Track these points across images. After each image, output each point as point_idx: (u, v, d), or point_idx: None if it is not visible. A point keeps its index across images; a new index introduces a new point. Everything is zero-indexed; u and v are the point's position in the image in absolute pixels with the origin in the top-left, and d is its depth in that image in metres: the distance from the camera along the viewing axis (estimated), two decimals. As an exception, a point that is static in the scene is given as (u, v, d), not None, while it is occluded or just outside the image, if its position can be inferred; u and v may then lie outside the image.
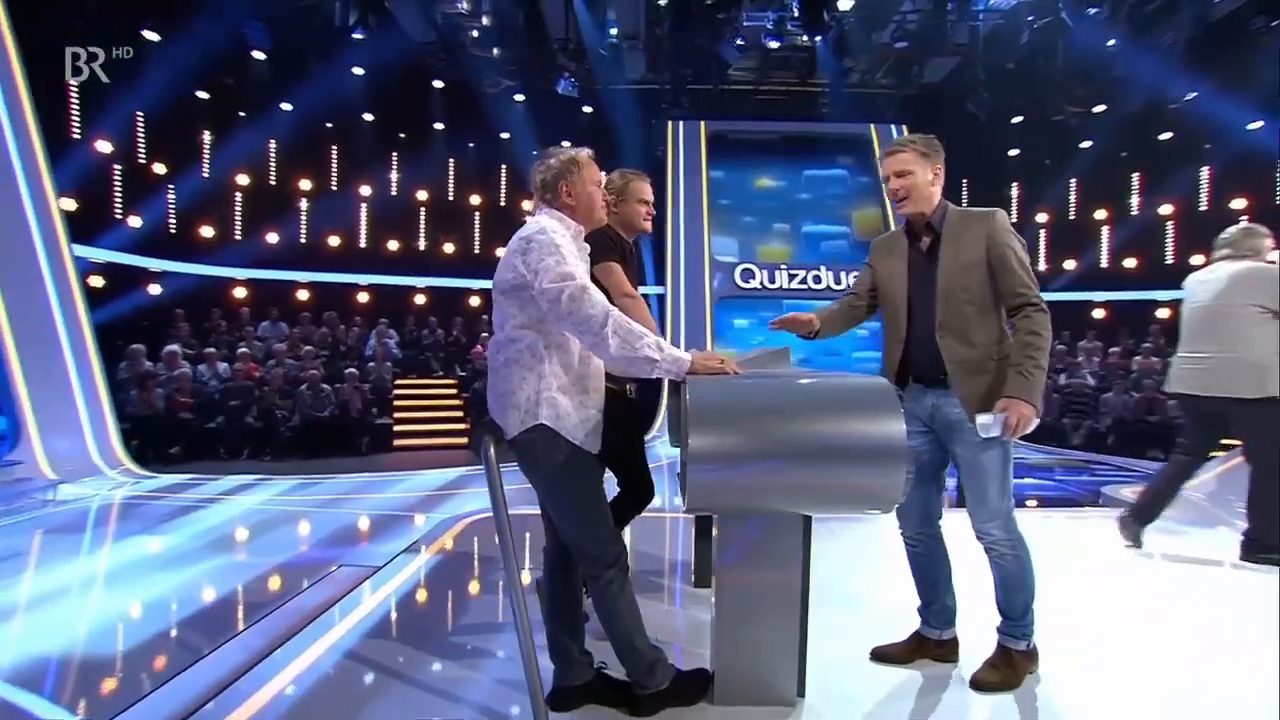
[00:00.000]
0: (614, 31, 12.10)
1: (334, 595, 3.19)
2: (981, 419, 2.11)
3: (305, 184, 12.16)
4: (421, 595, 3.36)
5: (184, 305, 10.09)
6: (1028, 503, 6.29)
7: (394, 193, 13.02)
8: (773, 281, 12.35)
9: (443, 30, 11.66)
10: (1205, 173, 12.00)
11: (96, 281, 9.02)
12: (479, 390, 9.55)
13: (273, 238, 11.65)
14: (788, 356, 2.39)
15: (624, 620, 2.07)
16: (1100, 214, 13.05)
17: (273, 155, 11.94)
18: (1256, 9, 10.02)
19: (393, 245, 12.80)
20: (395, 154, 13.04)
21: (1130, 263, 12.64)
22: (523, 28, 11.59)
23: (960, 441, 2.25)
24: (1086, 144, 12.67)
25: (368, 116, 12.55)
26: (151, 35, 9.49)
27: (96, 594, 3.52)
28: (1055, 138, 12.98)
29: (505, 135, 12.84)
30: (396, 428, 9.52)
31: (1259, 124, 10.57)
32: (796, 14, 11.60)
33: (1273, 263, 3.66)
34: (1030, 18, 11.36)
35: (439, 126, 13.09)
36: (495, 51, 12.10)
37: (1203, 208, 12.04)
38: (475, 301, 12.80)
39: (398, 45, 11.39)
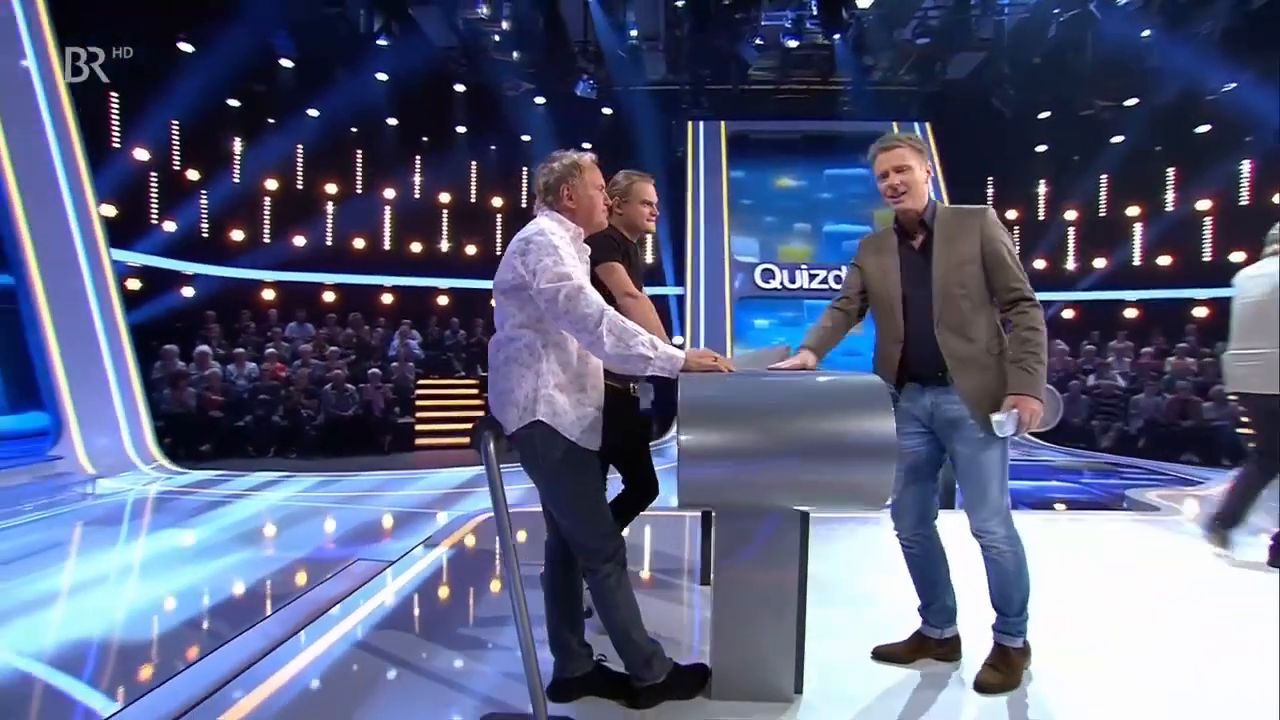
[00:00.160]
0: (633, 33, 12.12)
1: (349, 588, 3.30)
2: (995, 418, 2.12)
3: (331, 188, 12.43)
4: (432, 589, 3.44)
5: (215, 307, 10.40)
6: (1055, 506, 6.18)
7: (417, 195, 13.23)
8: (793, 281, 12.28)
9: (464, 35, 11.80)
10: (1246, 166, 11.62)
11: (133, 284, 9.36)
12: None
13: (300, 241, 11.92)
14: (785, 357, 2.40)
15: (621, 613, 2.11)
16: (1133, 210, 12.71)
17: (300, 160, 12.22)
18: (1300, -6, 9.71)
19: (416, 247, 12.99)
20: (418, 157, 13.25)
21: (1165, 260, 12.29)
22: (542, 31, 11.69)
23: (961, 439, 2.24)
24: (1118, 139, 12.37)
25: (391, 121, 12.78)
26: (186, 46, 9.83)
27: (131, 583, 3.69)
28: (1085, 133, 12.68)
29: (526, 138, 12.96)
30: (418, 427, 9.67)
31: (1304, 115, 10.24)
32: (815, 13, 11.51)
33: None
34: (1056, 10, 11.11)
35: (461, 130, 13.25)
36: (515, 55, 12.20)
37: (1243, 202, 11.68)
38: (497, 303, 12.96)
39: (420, 51, 11.58)
